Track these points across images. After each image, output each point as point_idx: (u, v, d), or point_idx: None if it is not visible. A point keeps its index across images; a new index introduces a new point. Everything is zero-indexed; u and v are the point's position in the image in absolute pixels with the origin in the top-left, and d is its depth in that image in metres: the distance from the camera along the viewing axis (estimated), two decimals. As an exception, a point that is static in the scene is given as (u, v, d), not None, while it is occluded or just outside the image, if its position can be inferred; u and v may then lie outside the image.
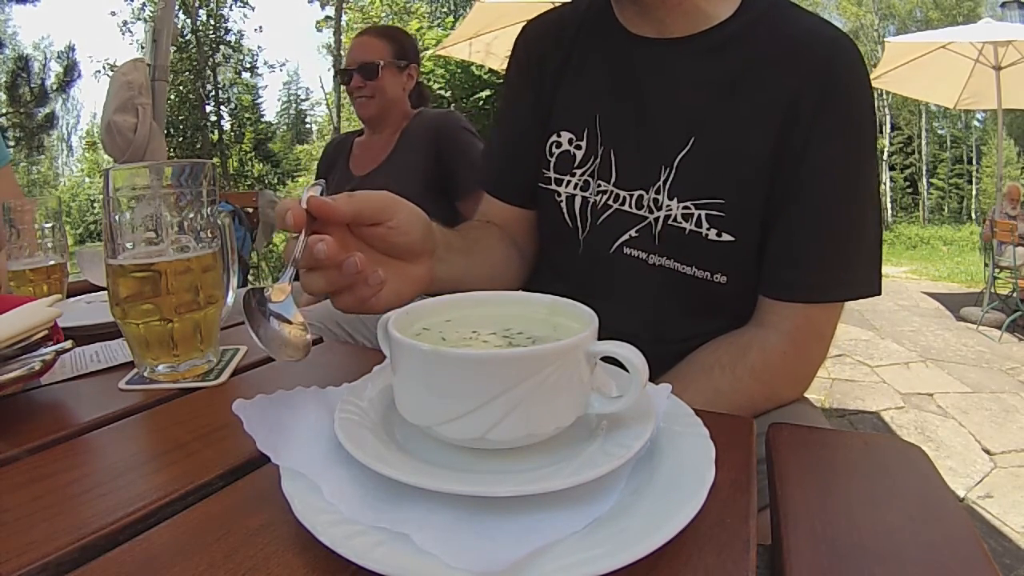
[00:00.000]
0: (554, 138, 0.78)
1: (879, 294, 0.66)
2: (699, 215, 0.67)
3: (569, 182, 0.76)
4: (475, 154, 1.48)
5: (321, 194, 0.49)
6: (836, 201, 0.65)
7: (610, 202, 0.73)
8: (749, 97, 0.65)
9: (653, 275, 0.71)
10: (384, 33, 1.70)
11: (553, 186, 0.78)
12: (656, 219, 0.70)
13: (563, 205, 0.77)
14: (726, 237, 0.66)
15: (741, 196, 0.66)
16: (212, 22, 17.41)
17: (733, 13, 0.69)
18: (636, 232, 0.71)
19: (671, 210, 0.68)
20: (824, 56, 0.64)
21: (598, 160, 0.74)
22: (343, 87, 1.68)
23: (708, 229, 0.67)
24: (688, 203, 0.67)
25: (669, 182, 0.69)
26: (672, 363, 0.68)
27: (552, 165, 0.78)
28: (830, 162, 0.64)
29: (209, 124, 17.40)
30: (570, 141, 0.76)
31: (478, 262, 0.73)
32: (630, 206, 0.71)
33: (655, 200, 0.70)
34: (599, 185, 0.74)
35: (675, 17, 0.70)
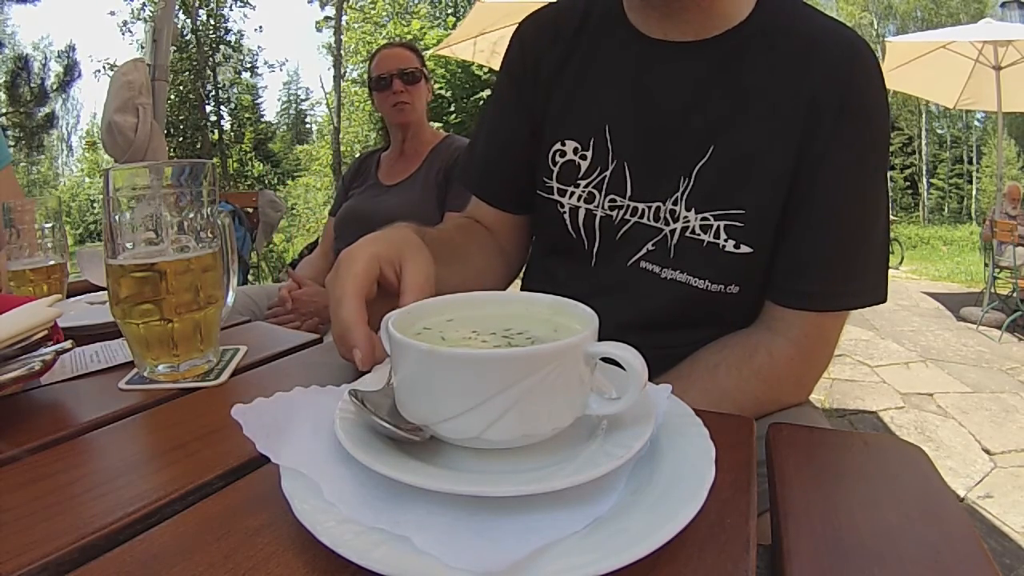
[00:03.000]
0: (557, 146, 0.74)
1: (885, 300, 0.66)
2: (718, 226, 0.65)
3: (572, 193, 0.74)
4: None
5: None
6: (849, 209, 0.64)
7: (628, 216, 0.71)
8: (768, 103, 0.64)
9: (665, 288, 0.69)
10: (412, 47, 1.85)
11: (556, 196, 0.75)
12: (672, 231, 0.68)
13: (566, 217, 0.75)
14: (744, 249, 0.65)
15: (761, 206, 0.64)
16: (212, 22, 17.41)
17: (750, 13, 0.67)
18: (653, 245, 0.70)
19: (689, 221, 0.66)
20: (843, 60, 0.63)
21: (608, 173, 0.71)
22: (374, 93, 1.76)
23: (726, 240, 0.65)
24: (707, 214, 0.66)
25: (687, 193, 0.66)
26: (669, 365, 0.67)
27: (555, 175, 0.75)
28: (845, 169, 0.63)
29: (209, 124, 17.40)
30: (575, 151, 0.73)
31: (455, 272, 0.71)
32: (649, 219, 0.69)
33: (672, 212, 0.68)
34: (613, 200, 0.71)
35: (698, 18, 0.67)
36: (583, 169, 0.73)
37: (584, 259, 0.74)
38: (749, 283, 0.67)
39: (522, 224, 0.84)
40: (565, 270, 0.77)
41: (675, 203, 0.67)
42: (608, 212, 0.72)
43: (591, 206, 0.73)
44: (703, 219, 0.66)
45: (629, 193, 0.70)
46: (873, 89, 0.64)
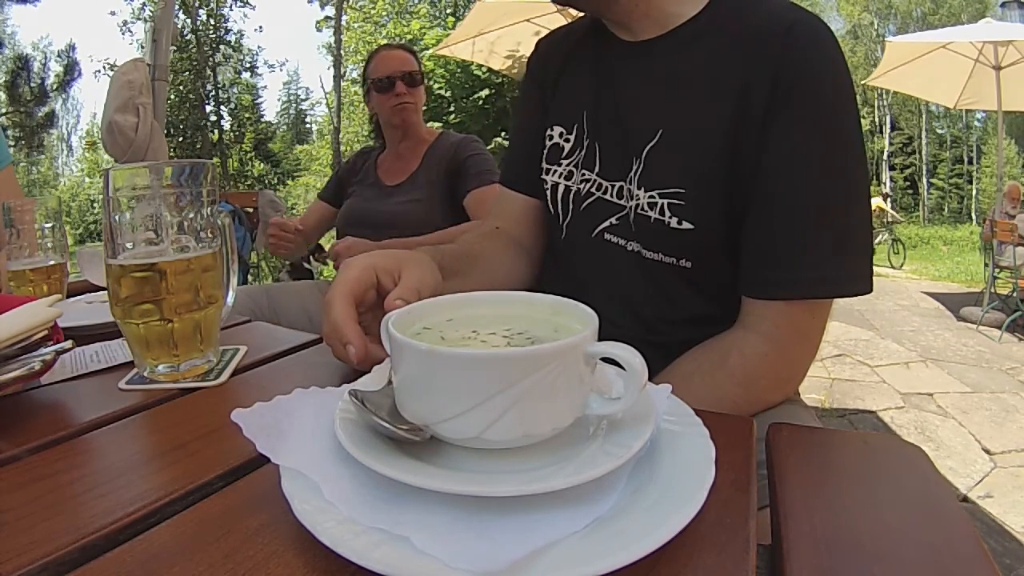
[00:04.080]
0: (548, 132, 0.83)
1: (869, 291, 0.63)
2: (662, 204, 0.69)
3: (556, 171, 0.82)
4: (480, 164, 1.66)
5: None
6: (807, 192, 0.62)
7: (593, 190, 0.77)
8: (708, 89, 0.66)
9: (630, 260, 0.74)
10: (410, 49, 1.87)
11: (544, 175, 0.83)
12: (631, 208, 0.73)
13: (549, 193, 0.83)
14: (686, 225, 0.67)
15: (700, 186, 0.67)
16: (212, 22, 17.41)
17: (702, 9, 0.71)
18: (616, 220, 0.75)
19: (639, 199, 0.71)
20: (779, 41, 0.62)
21: (583, 152, 0.79)
22: (374, 94, 1.77)
23: (670, 217, 0.68)
24: (653, 192, 0.69)
25: (639, 173, 0.71)
26: (657, 355, 0.68)
27: (544, 156, 0.83)
28: (795, 151, 0.62)
29: (209, 124, 17.39)
30: (561, 135, 0.82)
31: (474, 282, 0.75)
32: (612, 196, 0.75)
33: (629, 191, 0.73)
34: (583, 175, 0.78)
35: (642, 23, 0.74)
36: (566, 150, 0.81)
37: (558, 231, 0.82)
38: (699, 259, 0.70)
39: (539, 214, 0.89)
40: (553, 243, 0.84)
41: (630, 183, 0.72)
42: (579, 186, 0.79)
43: (569, 182, 0.81)
44: (650, 197, 0.70)
45: (597, 169, 0.77)
46: (817, 64, 0.62)
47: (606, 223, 0.76)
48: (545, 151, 0.83)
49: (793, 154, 0.62)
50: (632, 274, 0.74)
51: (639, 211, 0.71)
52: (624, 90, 0.75)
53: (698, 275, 0.70)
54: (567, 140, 0.81)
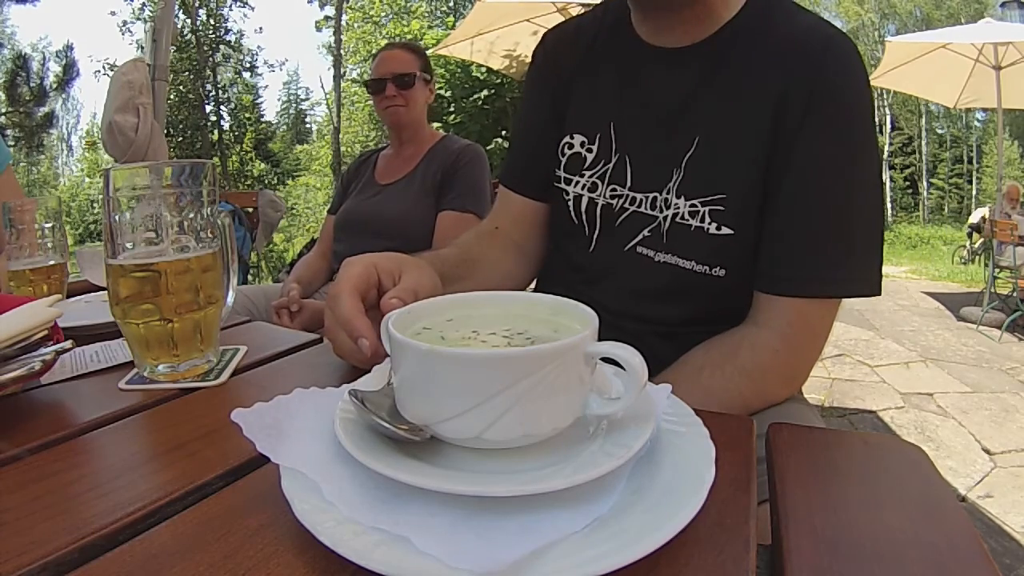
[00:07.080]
0: (566, 139, 0.81)
1: (878, 294, 0.66)
2: (704, 211, 0.70)
3: (577, 182, 0.80)
4: (467, 184, 1.63)
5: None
6: (825, 197, 0.65)
7: (627, 205, 0.76)
8: (746, 97, 0.68)
9: (659, 271, 0.74)
10: (413, 48, 1.86)
11: (563, 185, 0.82)
12: (665, 218, 0.73)
13: (570, 204, 0.81)
14: (725, 230, 0.69)
15: (740, 191, 0.68)
16: (212, 22, 17.38)
17: (737, 12, 0.72)
18: (648, 232, 0.75)
19: (679, 208, 0.71)
20: (815, 55, 0.66)
21: (611, 165, 0.77)
22: (374, 93, 1.76)
23: (710, 224, 0.69)
24: (695, 200, 0.70)
25: (679, 183, 0.72)
26: (667, 345, 0.70)
27: (563, 165, 0.82)
28: (818, 158, 0.65)
29: (209, 124, 17.37)
30: (582, 144, 0.80)
31: (475, 284, 0.76)
32: (645, 208, 0.75)
33: (666, 200, 0.73)
34: (613, 189, 0.77)
35: (688, 24, 0.72)
36: (588, 161, 0.79)
37: (584, 245, 0.80)
38: (734, 266, 0.70)
39: (541, 217, 0.88)
40: (573, 253, 0.83)
41: (668, 192, 0.72)
42: (609, 201, 0.78)
43: (593, 195, 0.79)
44: (691, 205, 0.71)
45: (629, 183, 0.76)
46: (846, 79, 0.66)
47: (639, 236, 0.75)
48: (564, 160, 0.82)
49: (818, 160, 0.65)
50: (657, 284, 0.74)
51: (677, 220, 0.71)
52: (657, 99, 0.74)
53: (728, 284, 0.70)
54: (589, 150, 0.79)
